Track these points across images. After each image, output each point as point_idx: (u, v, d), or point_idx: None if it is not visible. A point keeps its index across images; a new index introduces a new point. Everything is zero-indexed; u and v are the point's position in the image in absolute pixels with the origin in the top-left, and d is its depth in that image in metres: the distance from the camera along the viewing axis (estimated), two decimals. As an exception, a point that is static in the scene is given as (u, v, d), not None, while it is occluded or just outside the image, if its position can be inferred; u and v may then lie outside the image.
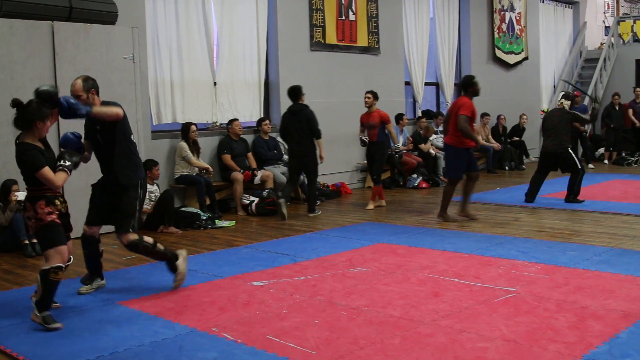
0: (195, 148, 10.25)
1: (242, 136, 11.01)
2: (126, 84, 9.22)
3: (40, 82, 8.34)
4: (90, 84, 5.94)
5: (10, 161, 8.12)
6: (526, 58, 18.12)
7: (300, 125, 9.94)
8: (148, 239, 6.13)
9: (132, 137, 6.14)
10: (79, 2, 8.79)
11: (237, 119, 10.94)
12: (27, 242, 7.83)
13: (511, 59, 17.62)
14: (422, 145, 13.76)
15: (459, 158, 9.22)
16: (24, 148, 5.26)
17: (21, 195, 7.93)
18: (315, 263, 7.00)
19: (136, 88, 9.35)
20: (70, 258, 5.56)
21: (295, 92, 10.21)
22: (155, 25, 10.43)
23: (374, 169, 10.79)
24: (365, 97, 10.71)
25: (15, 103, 5.29)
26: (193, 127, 10.20)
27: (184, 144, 10.10)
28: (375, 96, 10.70)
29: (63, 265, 5.23)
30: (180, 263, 6.13)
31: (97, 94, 5.96)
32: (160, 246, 6.16)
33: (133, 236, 6.04)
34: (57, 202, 5.39)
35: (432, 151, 13.81)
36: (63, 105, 5.36)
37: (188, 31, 10.79)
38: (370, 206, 10.64)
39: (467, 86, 9.26)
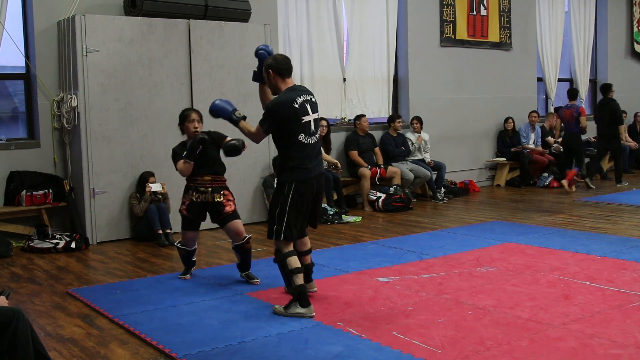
0: (324, 143, 10.36)
1: (369, 132, 11.05)
2: (258, 80, 9.42)
3: (176, 78, 8.71)
4: None
5: (147, 154, 8.55)
6: (668, 53, 17.27)
7: (606, 115, 12.47)
8: (291, 261, 5.42)
9: (299, 138, 5.37)
10: (214, 0, 9.06)
11: (364, 115, 10.99)
12: (160, 231, 8.16)
13: (651, 54, 16.84)
14: (548, 139, 13.35)
15: None
16: None
17: (155, 186, 8.27)
18: (441, 261, 6.94)
19: (267, 84, 9.54)
20: None
21: (604, 88, 12.89)
22: (287, 22, 10.61)
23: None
24: None
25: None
26: (324, 122, 10.32)
27: (313, 140, 10.22)
28: None
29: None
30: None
31: None
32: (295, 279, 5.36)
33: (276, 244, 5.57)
34: None
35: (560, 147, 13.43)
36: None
37: (318, 28, 10.92)
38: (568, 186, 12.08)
39: None
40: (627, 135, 15.31)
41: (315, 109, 5.43)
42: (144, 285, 6.31)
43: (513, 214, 9.78)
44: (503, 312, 5.18)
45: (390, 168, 10.79)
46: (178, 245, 6.55)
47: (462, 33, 12.71)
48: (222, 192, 6.38)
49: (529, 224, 8.94)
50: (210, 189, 6.33)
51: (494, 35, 13.22)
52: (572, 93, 12.80)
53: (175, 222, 8.55)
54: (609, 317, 5.01)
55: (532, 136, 13.24)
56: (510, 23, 13.51)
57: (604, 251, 7.17)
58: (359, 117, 10.92)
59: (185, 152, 6.28)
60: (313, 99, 5.48)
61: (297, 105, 5.29)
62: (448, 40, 12.49)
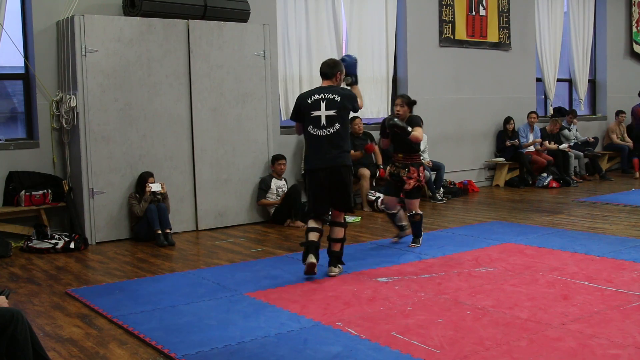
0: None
1: (368, 132, 11.04)
2: (257, 80, 9.45)
3: (175, 78, 8.73)
4: None
5: (146, 154, 8.56)
6: (667, 53, 17.27)
7: None
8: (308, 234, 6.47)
9: (308, 129, 6.41)
10: (213, 0, 9.06)
11: (358, 117, 10.94)
12: (159, 232, 8.15)
13: (650, 54, 16.84)
14: (550, 144, 13.35)
15: None
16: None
17: (155, 187, 8.28)
18: (441, 261, 6.95)
19: (266, 84, 9.56)
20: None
21: None
22: (286, 22, 10.61)
23: None
24: None
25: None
26: None
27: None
28: None
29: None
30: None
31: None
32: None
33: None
34: None
35: (565, 144, 13.43)
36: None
37: (317, 28, 10.91)
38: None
39: None
40: (626, 135, 15.32)
41: (331, 107, 6.24)
42: (143, 285, 6.31)
43: (512, 214, 9.79)
44: (502, 313, 5.18)
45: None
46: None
47: (461, 33, 12.71)
48: (407, 169, 7.45)
49: (528, 224, 8.94)
50: (400, 164, 7.49)
51: (493, 36, 13.23)
52: None
53: (175, 222, 8.58)
54: (608, 318, 5.01)
55: (531, 136, 13.25)
56: (509, 23, 13.51)
57: (602, 251, 7.17)
58: (353, 119, 10.88)
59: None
60: (334, 97, 6.28)
61: (309, 101, 6.32)
62: (447, 40, 12.50)
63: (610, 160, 15.07)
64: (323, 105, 6.25)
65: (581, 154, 13.85)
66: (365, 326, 4.93)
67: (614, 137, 15.13)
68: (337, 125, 6.27)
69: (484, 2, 13.00)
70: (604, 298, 5.50)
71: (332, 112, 6.26)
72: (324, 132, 6.26)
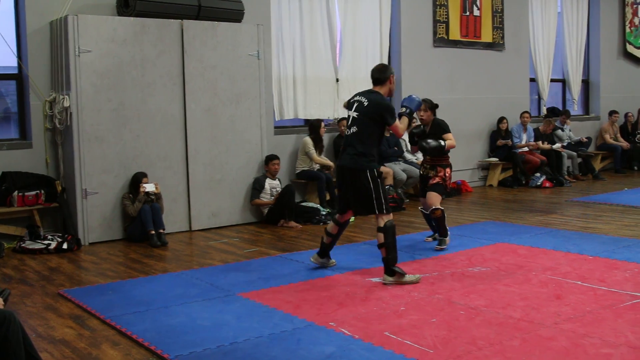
0: (319, 145, 10.36)
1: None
2: (251, 80, 9.44)
3: (169, 78, 8.72)
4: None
5: (140, 155, 8.55)
6: (660, 53, 17.32)
7: None
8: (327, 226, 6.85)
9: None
10: (207, 0, 9.05)
11: (345, 118, 10.91)
12: (153, 232, 8.14)
13: (643, 54, 16.89)
14: (543, 144, 13.36)
15: None
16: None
17: (149, 187, 8.27)
18: (434, 261, 6.96)
19: (260, 84, 9.56)
20: None
21: None
22: (280, 22, 10.60)
23: None
24: None
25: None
26: (322, 124, 10.35)
27: (309, 140, 10.23)
28: None
29: None
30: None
31: None
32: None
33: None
34: None
35: (559, 144, 13.45)
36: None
37: (312, 28, 10.91)
38: None
39: None
40: (619, 135, 15.37)
41: (358, 109, 6.35)
42: (136, 286, 6.30)
43: (505, 214, 9.80)
44: (495, 312, 5.19)
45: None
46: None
47: (455, 33, 12.73)
48: (435, 169, 7.62)
49: (521, 224, 8.96)
50: (428, 165, 7.67)
51: (486, 36, 13.24)
52: None
53: (168, 222, 8.57)
54: (601, 317, 5.02)
55: (524, 136, 13.28)
56: (503, 23, 13.53)
57: (595, 251, 7.19)
58: (341, 120, 10.86)
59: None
60: (362, 100, 6.37)
61: (350, 102, 6.53)
62: (441, 40, 12.51)
63: (603, 160, 15.11)
64: (355, 106, 6.38)
65: (574, 153, 13.89)
66: (358, 326, 4.93)
67: (607, 137, 15.17)
68: (355, 128, 6.31)
69: (477, 3, 13.02)
70: (597, 297, 5.52)
71: (356, 115, 6.34)
72: (348, 132, 6.39)
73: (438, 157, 7.58)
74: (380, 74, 6.48)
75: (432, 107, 7.55)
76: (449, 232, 7.65)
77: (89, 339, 4.88)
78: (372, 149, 6.32)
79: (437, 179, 7.55)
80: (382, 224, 6.19)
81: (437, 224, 7.57)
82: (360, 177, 6.23)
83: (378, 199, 6.23)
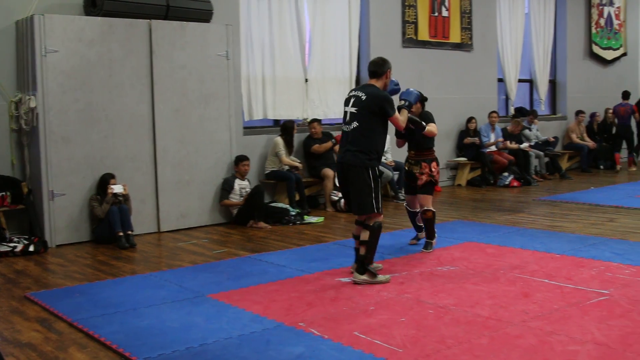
0: (290, 146, 10.35)
1: (329, 132, 11.05)
2: (220, 81, 9.41)
3: (137, 79, 8.66)
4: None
5: (108, 155, 8.48)
6: (625, 54, 17.54)
7: None
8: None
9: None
10: (176, 0, 9.00)
11: (317, 120, 10.91)
12: (121, 234, 8.08)
13: (609, 54, 17.09)
14: (511, 144, 13.47)
15: None
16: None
17: (117, 188, 8.20)
18: (403, 261, 6.98)
19: (229, 84, 9.53)
20: None
21: None
22: (249, 22, 10.57)
23: None
24: None
25: None
26: (295, 125, 10.36)
27: (280, 141, 10.22)
28: None
29: None
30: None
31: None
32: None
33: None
34: None
35: (526, 143, 13.57)
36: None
37: (281, 28, 10.90)
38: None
39: None
40: (585, 135, 15.55)
41: (356, 104, 6.22)
42: (104, 288, 6.24)
43: (474, 214, 9.87)
44: (463, 311, 5.23)
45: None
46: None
47: (423, 34, 12.79)
48: (419, 165, 7.45)
49: (489, 223, 9.03)
50: (413, 161, 7.52)
51: (455, 37, 13.33)
52: (626, 94, 15.55)
53: (137, 223, 8.51)
54: (567, 314, 5.08)
55: (492, 136, 13.38)
56: (471, 24, 13.63)
57: (562, 249, 7.27)
58: (312, 122, 10.87)
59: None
60: (360, 94, 6.25)
61: (346, 97, 6.41)
62: (410, 41, 12.56)
63: (570, 160, 15.28)
64: (351, 102, 6.26)
65: (542, 153, 14.02)
66: (328, 326, 4.93)
67: (574, 136, 15.35)
68: (355, 124, 6.18)
69: (446, 3, 13.10)
70: (564, 295, 5.58)
71: (354, 110, 6.22)
72: (346, 128, 6.28)
73: (422, 151, 7.44)
74: (378, 67, 6.39)
75: (422, 100, 7.47)
76: (436, 235, 7.56)
77: (56, 342, 4.82)
78: (375, 144, 6.22)
79: (424, 177, 7.39)
80: (371, 223, 6.15)
81: (426, 225, 7.45)
82: (360, 175, 6.15)
83: (376, 199, 6.18)
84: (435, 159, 7.58)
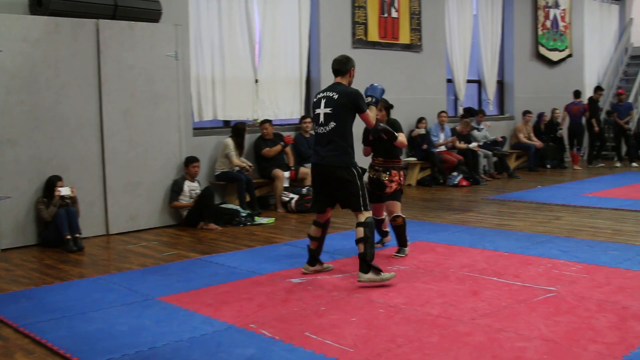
0: (241, 147, 10.30)
1: (280, 133, 11.03)
2: (169, 81, 9.33)
3: (84, 80, 8.54)
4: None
5: (55, 157, 8.34)
6: (570, 55, 17.88)
7: None
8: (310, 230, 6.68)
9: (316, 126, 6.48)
10: (124, 0, 8.89)
11: (268, 121, 10.87)
12: (69, 237, 7.95)
13: (555, 56, 17.41)
14: (460, 144, 13.62)
15: None
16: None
17: (64, 190, 8.07)
18: (354, 260, 6.97)
19: (178, 85, 9.45)
20: None
21: None
22: (198, 22, 10.50)
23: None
24: None
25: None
26: (246, 127, 10.34)
27: (230, 142, 10.16)
28: None
29: None
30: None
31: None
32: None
33: None
34: None
35: (475, 143, 13.73)
36: None
37: (230, 28, 10.84)
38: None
39: None
40: (532, 134, 15.80)
41: (329, 104, 6.22)
42: (51, 292, 6.14)
43: (423, 213, 9.95)
44: (414, 310, 5.27)
45: (302, 169, 10.82)
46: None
47: (373, 35, 12.85)
48: (388, 172, 7.20)
49: (439, 223, 9.11)
50: (381, 168, 7.22)
51: (404, 37, 13.42)
52: (577, 93, 16.17)
53: (85, 226, 8.39)
54: (516, 311, 5.16)
55: (442, 136, 13.51)
56: (421, 25, 13.74)
57: (510, 247, 7.38)
58: (263, 123, 10.84)
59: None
60: (331, 94, 6.26)
61: (315, 100, 6.42)
62: (360, 41, 12.61)
63: (517, 159, 15.51)
64: (323, 103, 6.25)
65: (490, 153, 14.21)
66: (279, 327, 4.93)
67: (521, 136, 15.58)
68: (333, 124, 6.18)
69: (395, 5, 13.18)
70: (512, 293, 5.66)
71: (328, 110, 6.21)
72: (322, 129, 6.25)
73: (391, 159, 7.23)
74: (341, 66, 6.38)
75: (387, 107, 7.33)
76: (408, 242, 7.37)
77: (2, 348, 4.73)
78: (351, 143, 6.26)
79: (394, 185, 7.18)
80: (362, 219, 6.15)
81: (397, 232, 7.25)
82: (347, 175, 6.17)
83: (363, 196, 6.21)
84: (403, 167, 7.52)
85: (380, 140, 7.07)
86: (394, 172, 7.19)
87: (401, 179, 7.27)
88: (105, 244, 8.39)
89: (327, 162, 6.23)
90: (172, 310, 5.47)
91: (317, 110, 6.32)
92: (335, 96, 6.21)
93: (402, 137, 7.01)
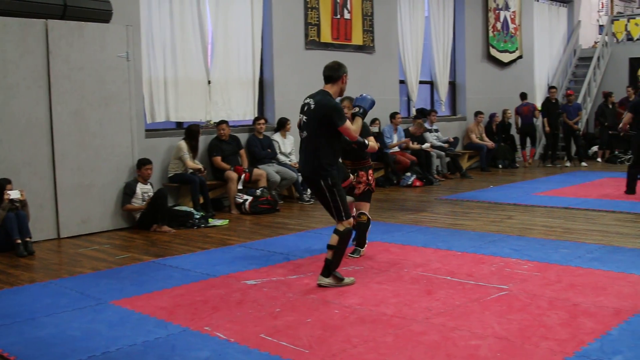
0: (194, 149, 10.23)
1: (234, 135, 10.99)
2: (120, 83, 9.22)
3: (34, 80, 8.39)
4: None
5: (4, 160, 8.18)
6: (520, 56, 18.13)
7: None
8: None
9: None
10: (73, 0, 8.76)
11: (224, 122, 10.84)
12: (19, 241, 7.80)
13: (505, 57, 17.64)
14: (413, 144, 13.72)
15: None
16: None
17: (14, 194, 7.92)
18: (308, 261, 7.01)
19: (130, 86, 9.35)
20: None
21: None
22: (150, 23, 10.39)
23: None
24: None
25: None
26: (200, 129, 10.29)
27: (183, 145, 10.07)
28: None
29: None
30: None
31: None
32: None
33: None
34: None
35: (428, 143, 13.83)
36: None
37: (183, 29, 10.76)
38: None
39: None
40: (484, 135, 15.98)
41: (307, 113, 6.15)
42: (1, 298, 6.01)
43: (377, 213, 9.98)
44: (369, 310, 5.29)
45: (256, 170, 10.78)
46: None
47: (326, 36, 12.87)
48: (356, 174, 7.21)
49: (393, 223, 9.16)
50: (349, 169, 7.21)
51: (357, 39, 13.47)
52: (523, 95, 16.83)
53: (35, 230, 8.24)
54: (469, 310, 5.21)
55: (395, 137, 13.59)
56: (373, 27, 13.80)
57: (463, 247, 7.46)
58: (220, 123, 10.79)
59: None
60: (310, 102, 6.14)
61: (302, 104, 6.30)
62: (312, 43, 12.62)
63: (470, 159, 15.68)
64: (305, 109, 6.19)
65: (443, 153, 14.33)
66: (234, 329, 4.91)
67: (473, 137, 15.75)
68: (305, 133, 6.15)
69: (348, 6, 13.22)
70: (465, 291, 5.72)
71: (305, 118, 6.16)
72: (302, 135, 6.25)
73: (359, 161, 7.22)
74: (332, 72, 6.17)
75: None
76: (366, 244, 7.35)
77: (-51, 355, 4.63)
78: (327, 153, 6.04)
79: (362, 186, 7.18)
80: (341, 229, 6.02)
81: (359, 230, 7.19)
82: (320, 187, 6.05)
83: (337, 208, 6.05)
84: (371, 166, 7.43)
85: (348, 144, 6.93)
86: (361, 172, 7.20)
87: (369, 178, 7.25)
88: (56, 248, 8.25)
89: (305, 172, 6.28)
90: (125, 314, 5.40)
91: (300, 116, 6.30)
92: (313, 106, 6.08)
93: (372, 143, 6.90)
